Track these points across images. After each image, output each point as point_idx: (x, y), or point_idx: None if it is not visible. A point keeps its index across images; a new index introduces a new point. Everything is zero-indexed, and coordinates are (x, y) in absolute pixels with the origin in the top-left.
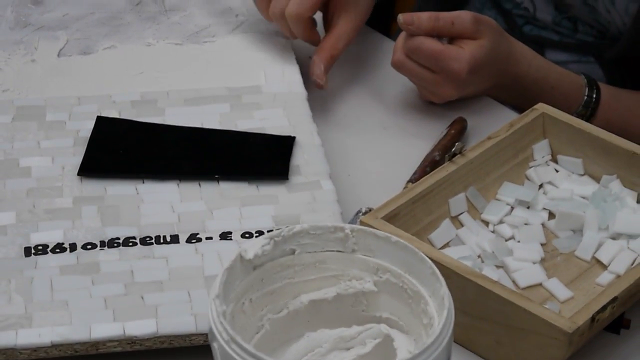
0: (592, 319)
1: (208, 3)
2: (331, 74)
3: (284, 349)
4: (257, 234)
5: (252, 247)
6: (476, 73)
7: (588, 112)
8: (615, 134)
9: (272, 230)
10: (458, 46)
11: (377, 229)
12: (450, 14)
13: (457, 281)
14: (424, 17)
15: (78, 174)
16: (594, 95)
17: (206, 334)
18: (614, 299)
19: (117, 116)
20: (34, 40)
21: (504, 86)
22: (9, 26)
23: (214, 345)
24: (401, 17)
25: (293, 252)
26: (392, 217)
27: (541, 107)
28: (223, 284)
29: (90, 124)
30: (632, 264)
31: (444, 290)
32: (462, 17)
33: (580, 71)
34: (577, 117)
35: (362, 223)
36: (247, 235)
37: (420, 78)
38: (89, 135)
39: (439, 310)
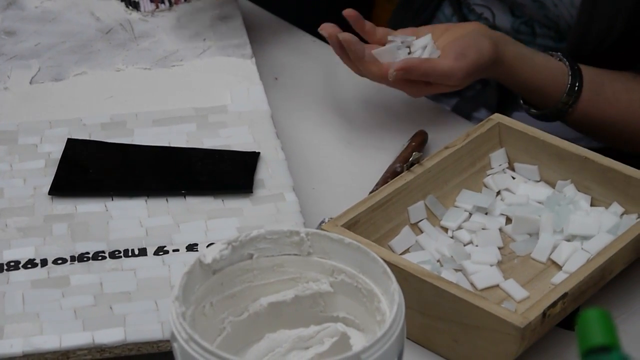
0: (544, 314)
1: (176, 29)
2: (297, 94)
3: (244, 350)
4: None
5: (211, 252)
6: (470, 78)
7: (571, 99)
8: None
9: None
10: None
11: (330, 233)
12: (442, 70)
13: (414, 283)
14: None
15: (49, 194)
16: (577, 83)
17: None
18: (564, 295)
19: (88, 138)
20: (7, 69)
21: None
22: None
23: (175, 345)
24: (393, 72)
25: (251, 256)
26: (352, 225)
27: (497, 118)
28: (182, 287)
29: (61, 147)
30: (587, 261)
31: (394, 286)
32: (455, 74)
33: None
34: (562, 104)
35: (323, 229)
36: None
37: (416, 90)
38: (59, 157)
39: (390, 306)
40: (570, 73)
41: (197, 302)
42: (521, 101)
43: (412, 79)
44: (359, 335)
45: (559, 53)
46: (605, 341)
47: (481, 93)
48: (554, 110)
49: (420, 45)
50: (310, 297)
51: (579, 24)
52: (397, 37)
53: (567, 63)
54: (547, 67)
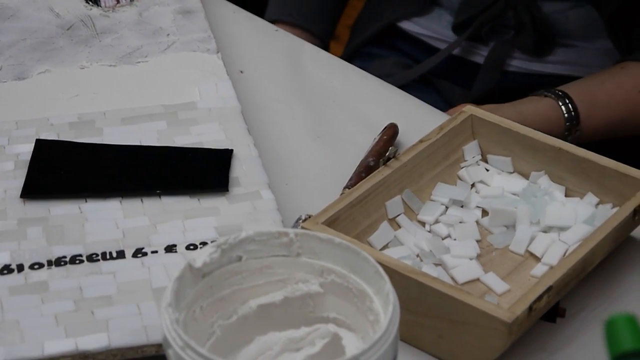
0: (530, 308)
1: (139, 24)
2: (264, 87)
3: (235, 353)
4: (202, 245)
5: (201, 256)
6: None
7: (573, 124)
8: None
9: (215, 241)
10: None
11: (319, 233)
12: None
13: (398, 280)
14: None
15: (21, 197)
16: (572, 112)
17: (158, 344)
18: (549, 288)
19: (56, 138)
20: None
21: None
22: None
23: (169, 352)
24: None
25: (240, 258)
26: (332, 222)
27: (469, 110)
28: (174, 293)
29: (30, 147)
30: (564, 255)
31: (388, 286)
32: None
33: (578, 22)
34: (568, 132)
35: (303, 229)
36: (191, 247)
37: None
38: (29, 158)
39: (384, 306)
40: (560, 103)
41: (188, 307)
42: None
43: None
44: (351, 336)
45: (541, 91)
46: (636, 346)
47: (516, 37)
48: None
49: None
50: (300, 299)
51: None
52: None
53: (552, 96)
54: (537, 112)
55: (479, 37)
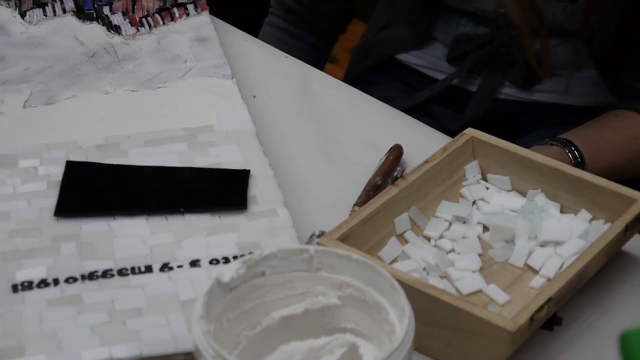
0: (531, 318)
1: (158, 52)
2: (276, 110)
3: None
4: (224, 260)
5: (228, 272)
6: None
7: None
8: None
9: (236, 256)
10: None
11: (337, 249)
12: None
13: (408, 292)
14: None
15: (54, 215)
16: (578, 158)
17: (186, 353)
18: (549, 299)
19: (85, 160)
20: (0, 94)
21: None
22: None
23: None
24: None
25: (263, 273)
26: (345, 238)
27: (470, 132)
28: (204, 306)
29: (61, 169)
30: (560, 268)
31: (404, 299)
32: None
33: (567, 56)
34: None
35: (319, 244)
36: (214, 261)
37: None
38: (60, 179)
39: (399, 317)
40: (567, 151)
41: (217, 319)
42: None
43: None
44: (367, 345)
45: (546, 139)
46: None
47: (507, 71)
48: None
49: None
50: (319, 310)
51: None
52: None
53: (558, 144)
54: None
55: (472, 68)
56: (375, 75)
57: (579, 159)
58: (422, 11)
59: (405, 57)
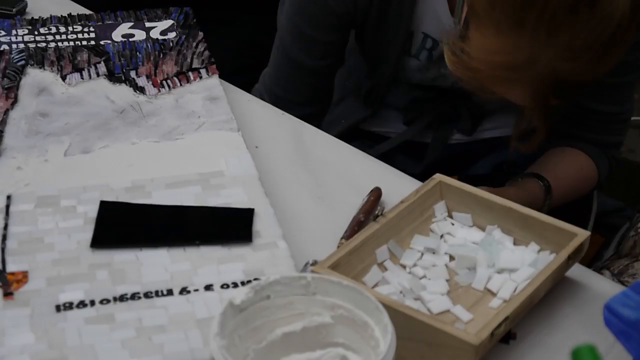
0: (491, 334)
1: (176, 109)
2: (275, 159)
3: None
4: (233, 285)
5: (239, 295)
6: None
7: (548, 198)
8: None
9: (244, 282)
10: None
11: (331, 276)
12: None
13: (388, 311)
14: None
15: (90, 246)
16: (548, 185)
17: None
18: (506, 318)
19: (116, 200)
20: (45, 145)
21: None
22: (24, 135)
23: None
24: None
25: (269, 297)
26: (335, 266)
27: (438, 177)
28: (220, 324)
29: (95, 207)
30: (514, 291)
31: (386, 319)
32: None
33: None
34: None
35: (313, 271)
36: (225, 286)
37: None
38: (95, 216)
39: (383, 334)
40: (539, 181)
41: (229, 335)
42: None
43: None
44: (356, 358)
45: (517, 176)
46: None
47: (455, 124)
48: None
49: None
50: (315, 328)
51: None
52: None
53: (531, 177)
54: (532, 190)
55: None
56: (343, 138)
57: (548, 186)
58: (378, 87)
59: (364, 126)
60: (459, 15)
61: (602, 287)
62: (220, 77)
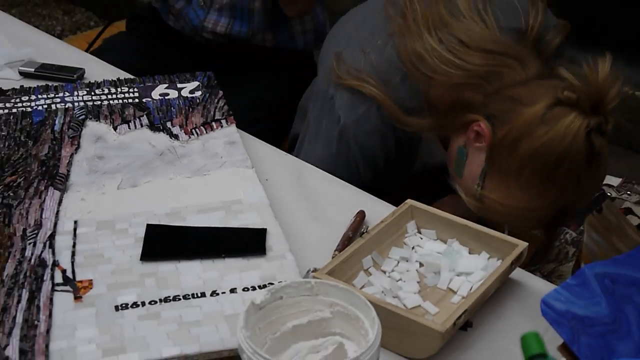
0: (454, 323)
1: (203, 151)
2: (281, 189)
3: (279, 355)
4: (252, 288)
5: (259, 297)
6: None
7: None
8: None
9: (260, 286)
10: None
11: (329, 280)
12: None
13: (375, 307)
14: None
15: (140, 260)
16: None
17: (229, 349)
18: (465, 311)
19: (158, 223)
20: (102, 180)
21: None
22: (85, 173)
23: (244, 356)
24: None
25: (282, 297)
26: (331, 272)
27: (409, 202)
28: (244, 320)
29: (143, 229)
30: (470, 289)
31: (374, 314)
32: None
33: None
34: None
35: (315, 277)
36: (245, 289)
37: None
38: (143, 236)
39: (371, 325)
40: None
41: (252, 328)
42: None
43: None
44: (350, 344)
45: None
46: (540, 351)
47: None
48: None
49: None
50: (318, 321)
51: None
52: None
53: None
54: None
55: None
56: None
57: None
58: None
59: None
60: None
61: (537, 285)
62: (237, 126)
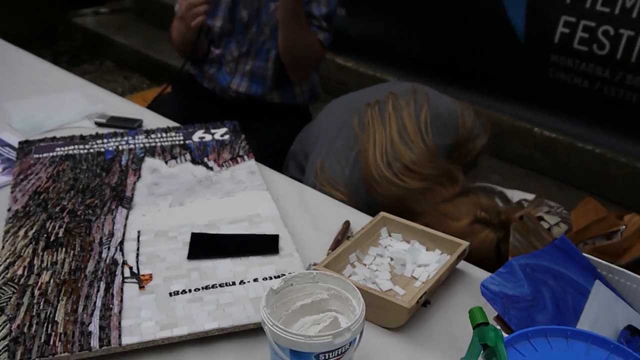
0: (417, 302)
1: (231, 178)
2: (287, 205)
3: (291, 327)
4: (269, 278)
5: (275, 284)
6: None
7: None
8: None
9: (276, 276)
10: None
11: (326, 272)
12: None
13: (359, 290)
14: None
15: (187, 258)
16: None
17: (254, 323)
18: (425, 293)
19: (200, 232)
20: (157, 201)
21: None
22: (145, 196)
23: (265, 328)
24: None
25: (292, 284)
26: (327, 265)
27: (382, 214)
28: (265, 301)
29: (188, 236)
30: (428, 277)
31: (359, 295)
32: None
33: None
34: None
35: (315, 269)
36: (264, 279)
37: None
38: (189, 241)
39: (357, 304)
40: None
41: (271, 307)
42: None
43: None
44: (343, 318)
45: None
46: (483, 320)
47: None
48: None
49: None
50: (318, 301)
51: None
52: None
53: None
54: None
55: None
56: None
57: None
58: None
59: None
60: None
61: (477, 274)
62: (255, 160)
